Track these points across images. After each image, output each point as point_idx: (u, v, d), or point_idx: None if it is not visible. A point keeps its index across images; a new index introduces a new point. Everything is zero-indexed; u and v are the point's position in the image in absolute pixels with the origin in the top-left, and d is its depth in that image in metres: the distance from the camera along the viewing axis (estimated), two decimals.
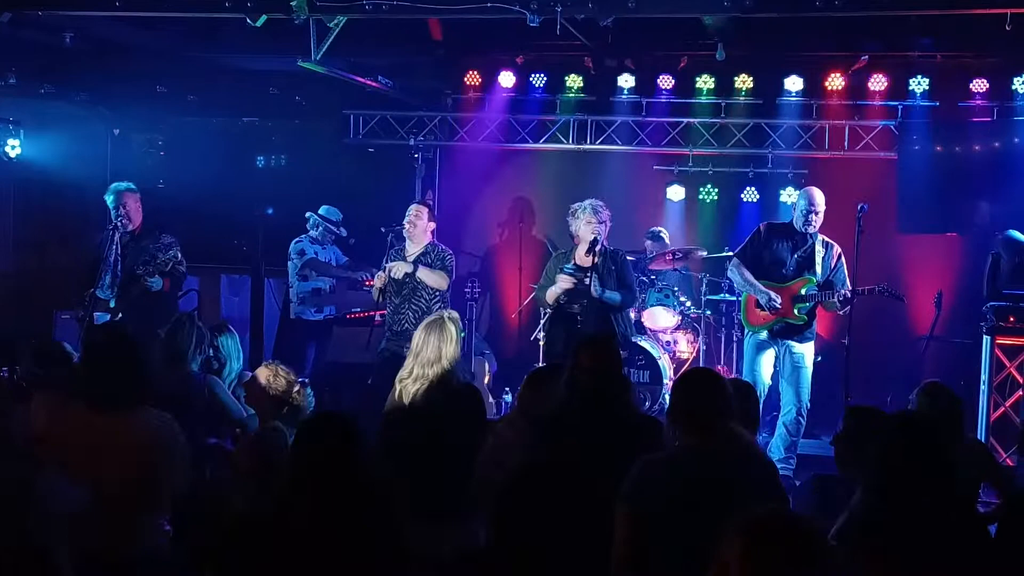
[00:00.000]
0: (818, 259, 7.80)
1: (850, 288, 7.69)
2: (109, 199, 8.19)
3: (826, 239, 7.89)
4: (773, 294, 7.74)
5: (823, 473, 6.58)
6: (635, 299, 8.13)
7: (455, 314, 5.91)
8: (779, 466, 7.51)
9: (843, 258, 7.87)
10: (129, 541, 4.36)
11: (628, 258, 8.09)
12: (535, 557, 2.91)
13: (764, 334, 7.86)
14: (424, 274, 7.77)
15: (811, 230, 7.81)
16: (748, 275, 7.93)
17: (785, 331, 7.83)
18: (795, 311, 7.77)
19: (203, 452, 5.57)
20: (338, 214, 9.53)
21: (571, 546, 2.95)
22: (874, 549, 3.40)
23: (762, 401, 7.85)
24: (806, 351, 7.84)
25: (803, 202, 7.84)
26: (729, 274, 8.31)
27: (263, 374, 5.28)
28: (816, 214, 7.76)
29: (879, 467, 3.62)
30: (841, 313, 7.91)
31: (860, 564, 3.36)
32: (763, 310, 7.81)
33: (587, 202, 7.79)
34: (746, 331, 8.11)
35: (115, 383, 4.49)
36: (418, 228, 7.94)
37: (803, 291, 7.77)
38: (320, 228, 9.43)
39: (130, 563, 4.32)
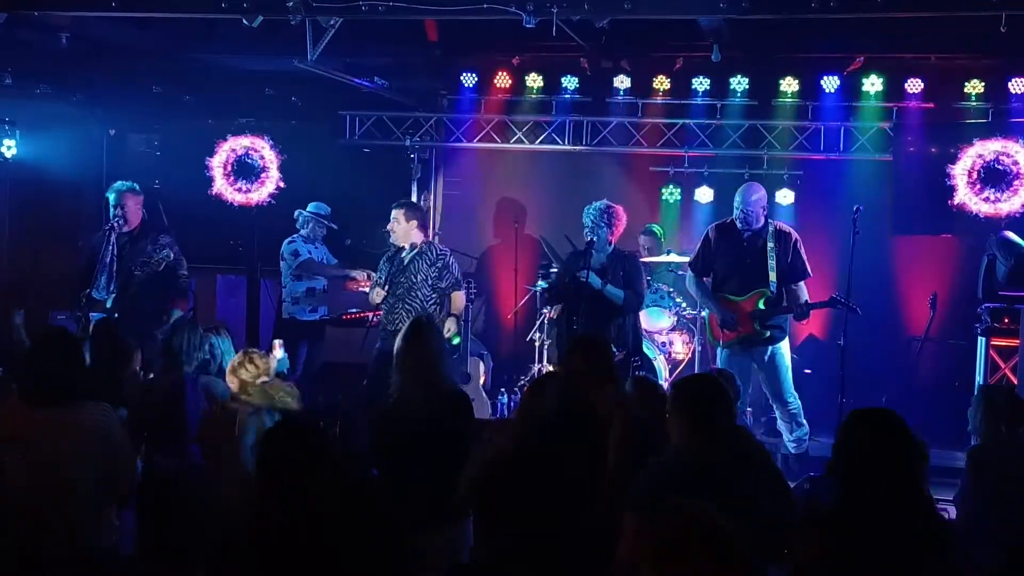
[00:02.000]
0: (771, 260, 7.71)
1: (810, 274, 7.79)
2: (111, 197, 8.20)
3: (780, 228, 7.83)
4: (729, 314, 7.74)
5: (818, 476, 6.62)
6: (639, 304, 7.97)
7: (423, 316, 5.97)
8: (793, 447, 7.69)
9: (800, 244, 7.81)
10: (71, 537, 4.35)
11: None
12: (527, 559, 2.90)
13: (734, 348, 7.86)
14: (458, 307, 8.10)
15: (755, 226, 7.75)
16: (704, 291, 7.94)
17: (752, 341, 7.81)
18: (755, 327, 7.75)
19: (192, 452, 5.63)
20: (327, 209, 9.48)
21: (562, 546, 2.95)
22: (818, 534, 3.39)
23: (745, 407, 7.93)
24: (780, 349, 7.84)
25: (737, 200, 7.84)
26: (687, 286, 8.29)
27: (233, 360, 5.38)
28: (749, 212, 7.70)
29: (835, 455, 3.63)
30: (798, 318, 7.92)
31: (804, 549, 3.35)
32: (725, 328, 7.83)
33: (594, 204, 7.82)
34: (714, 346, 8.11)
35: (48, 378, 4.50)
36: (398, 233, 7.98)
37: (759, 305, 7.74)
38: (311, 224, 9.37)
39: (74, 560, 4.31)
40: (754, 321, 7.71)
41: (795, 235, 7.82)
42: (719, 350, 8.06)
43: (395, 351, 5.31)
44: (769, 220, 7.83)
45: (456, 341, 8.58)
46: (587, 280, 7.54)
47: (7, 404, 4.62)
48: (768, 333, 7.74)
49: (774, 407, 7.90)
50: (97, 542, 4.44)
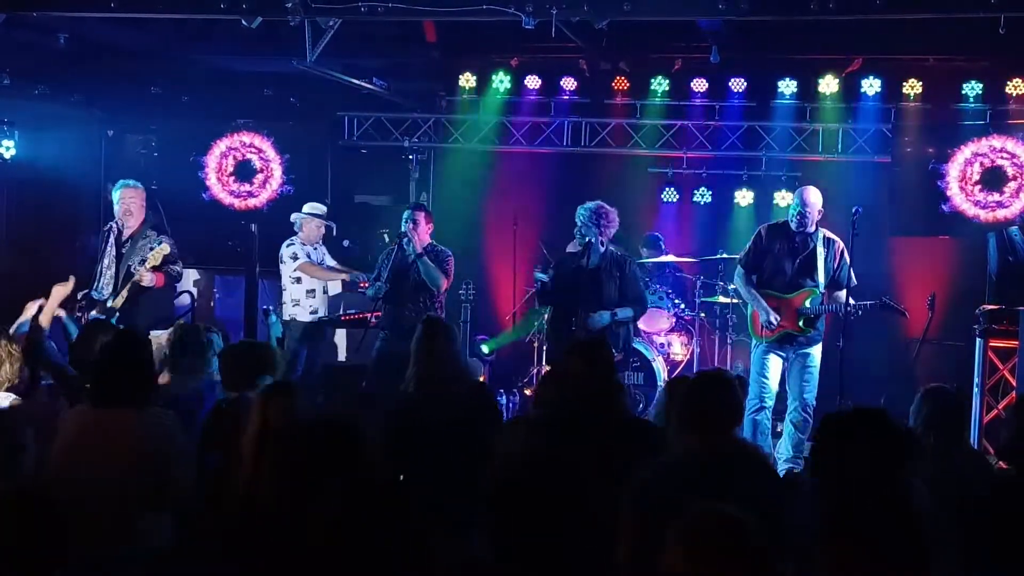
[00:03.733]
0: (819, 262, 7.75)
1: (855, 282, 7.74)
2: (115, 195, 8.17)
3: (827, 235, 7.83)
4: (773, 316, 7.70)
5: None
6: (645, 309, 8.14)
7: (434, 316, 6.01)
8: (787, 466, 7.58)
9: (846, 254, 7.83)
10: (132, 539, 4.37)
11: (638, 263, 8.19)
12: (531, 559, 2.90)
13: (772, 344, 7.85)
14: (426, 265, 7.84)
15: (809, 229, 7.78)
16: (751, 288, 7.89)
17: (791, 339, 7.81)
18: (799, 324, 7.74)
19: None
20: (322, 208, 9.42)
21: (565, 547, 2.95)
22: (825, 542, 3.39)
23: (771, 409, 7.89)
24: (814, 352, 7.83)
25: (796, 201, 7.82)
26: (734, 282, 8.27)
27: None
28: (808, 213, 7.73)
29: (812, 463, 3.65)
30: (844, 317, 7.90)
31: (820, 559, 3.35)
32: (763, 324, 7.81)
33: (587, 205, 7.82)
34: (753, 340, 8.09)
35: (121, 381, 4.58)
36: (419, 234, 7.98)
37: (807, 303, 7.73)
38: (308, 226, 9.28)
39: (133, 561, 4.34)
40: (799, 318, 7.72)
41: (841, 244, 7.82)
42: (754, 345, 8.02)
43: (413, 348, 5.40)
44: (819, 226, 7.83)
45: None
46: (597, 324, 7.59)
47: (77, 406, 4.72)
48: (809, 331, 7.75)
49: (791, 407, 7.84)
50: (151, 544, 4.47)
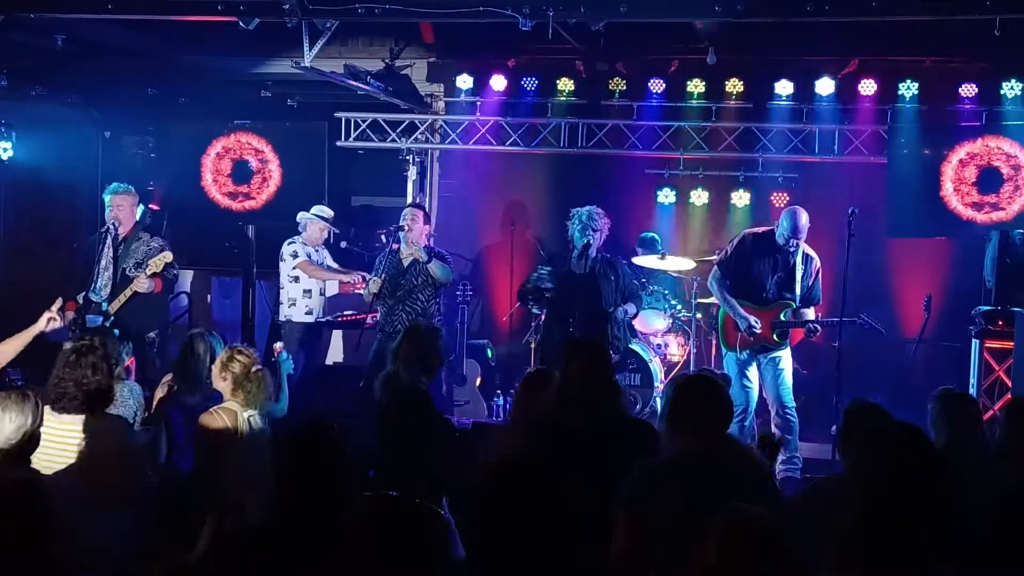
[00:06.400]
0: (798, 275, 7.78)
1: (821, 302, 7.88)
2: (106, 199, 8.18)
3: (807, 251, 7.83)
4: (753, 320, 7.72)
5: (817, 478, 6.63)
6: (641, 304, 8.38)
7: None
8: (784, 467, 7.58)
9: (820, 273, 7.89)
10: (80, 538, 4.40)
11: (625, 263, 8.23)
12: (516, 560, 2.90)
13: (744, 354, 7.87)
14: (434, 267, 7.94)
15: (792, 248, 7.77)
16: (728, 294, 7.90)
17: (764, 349, 7.84)
18: (774, 336, 7.77)
19: None
20: (330, 213, 9.42)
21: (557, 548, 2.95)
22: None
23: (753, 410, 7.90)
24: (784, 355, 7.86)
25: (788, 225, 7.68)
26: (710, 284, 8.23)
27: (222, 356, 5.47)
28: (800, 240, 7.71)
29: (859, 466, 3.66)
30: (813, 339, 7.98)
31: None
32: (741, 332, 7.81)
33: (585, 208, 7.84)
34: (724, 351, 8.10)
35: (70, 386, 4.68)
36: (415, 231, 8.00)
37: (781, 316, 7.77)
38: (311, 227, 9.27)
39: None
40: (774, 331, 7.74)
41: (818, 263, 7.85)
42: (726, 354, 8.03)
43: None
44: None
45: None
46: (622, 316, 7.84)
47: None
48: (783, 343, 7.77)
49: (773, 413, 7.87)
50: (109, 541, 4.50)
